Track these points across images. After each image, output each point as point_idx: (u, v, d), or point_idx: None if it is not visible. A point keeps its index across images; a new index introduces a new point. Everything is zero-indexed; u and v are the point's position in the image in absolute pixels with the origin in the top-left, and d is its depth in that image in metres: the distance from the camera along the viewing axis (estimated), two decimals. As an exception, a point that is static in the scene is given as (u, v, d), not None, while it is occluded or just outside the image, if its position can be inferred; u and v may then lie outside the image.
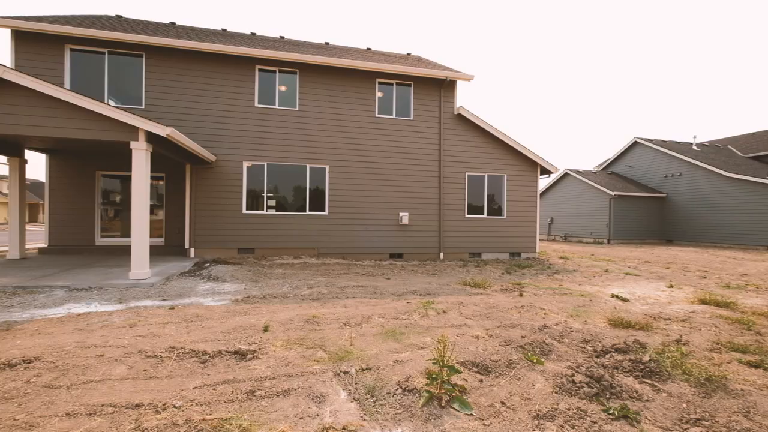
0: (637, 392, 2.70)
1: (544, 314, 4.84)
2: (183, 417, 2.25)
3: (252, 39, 12.16)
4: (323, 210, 10.84)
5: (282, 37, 13.44)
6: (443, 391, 2.55)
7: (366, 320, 4.41)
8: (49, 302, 5.18)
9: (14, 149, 8.81)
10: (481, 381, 2.85)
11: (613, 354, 3.39)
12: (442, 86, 11.58)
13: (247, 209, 10.33)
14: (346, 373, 2.94)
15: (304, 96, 10.74)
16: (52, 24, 9.03)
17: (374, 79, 11.22)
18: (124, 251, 9.42)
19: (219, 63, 10.13)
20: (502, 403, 2.53)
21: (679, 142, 22.61)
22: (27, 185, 10.65)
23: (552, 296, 6.20)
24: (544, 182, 25.26)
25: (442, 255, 11.53)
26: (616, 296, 6.17)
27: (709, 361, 3.31)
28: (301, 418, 2.30)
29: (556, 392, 2.68)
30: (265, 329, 3.97)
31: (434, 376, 2.61)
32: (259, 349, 3.41)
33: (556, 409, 2.43)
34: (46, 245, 9.74)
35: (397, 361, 3.16)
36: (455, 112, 11.70)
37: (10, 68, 6.22)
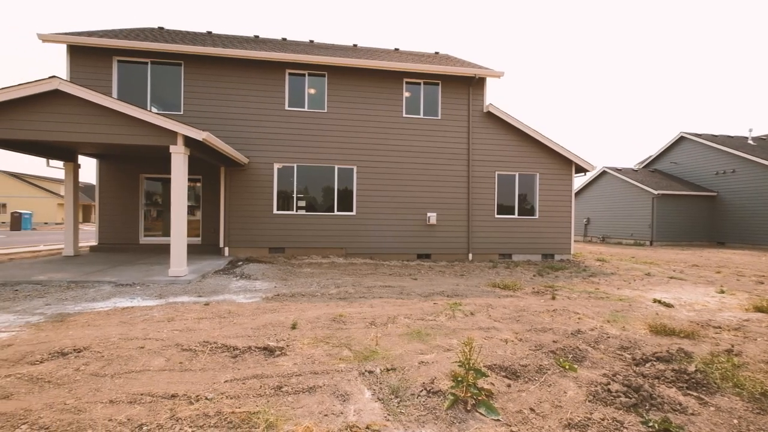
0: (680, 405, 2.51)
1: (578, 319, 4.63)
2: (214, 409, 2.34)
3: (283, 44, 12.50)
4: (351, 210, 10.95)
5: (311, 41, 13.72)
6: (469, 394, 2.49)
7: (392, 320, 4.40)
8: (98, 296, 5.57)
9: (69, 155, 9.56)
10: (509, 386, 2.76)
11: (654, 363, 3.18)
12: (471, 84, 11.38)
13: (277, 210, 10.62)
14: (370, 372, 2.95)
15: (332, 98, 10.91)
16: (102, 38, 9.71)
17: (401, 79, 11.21)
18: (165, 249, 9.95)
19: (251, 68, 10.50)
20: (531, 409, 2.44)
21: (731, 137, 20.92)
22: (80, 188, 11.51)
23: (587, 300, 5.91)
24: (579, 181, 24.23)
25: (470, 256, 11.32)
26: (659, 301, 5.80)
27: (766, 374, 3.03)
28: (325, 415, 2.32)
29: (589, 401, 2.55)
30: (293, 327, 4.06)
31: (460, 378, 2.56)
32: (287, 346, 3.49)
33: (590, 419, 2.31)
34: (96, 243, 10.49)
35: (422, 362, 3.13)
36: (484, 110, 11.45)
37: (66, 80, 6.74)
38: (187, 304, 5.21)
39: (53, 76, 6.60)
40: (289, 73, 10.75)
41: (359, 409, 2.40)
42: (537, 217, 11.75)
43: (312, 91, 10.93)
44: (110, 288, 6.10)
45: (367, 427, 2.20)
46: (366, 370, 2.97)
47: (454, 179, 11.36)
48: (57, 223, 37.08)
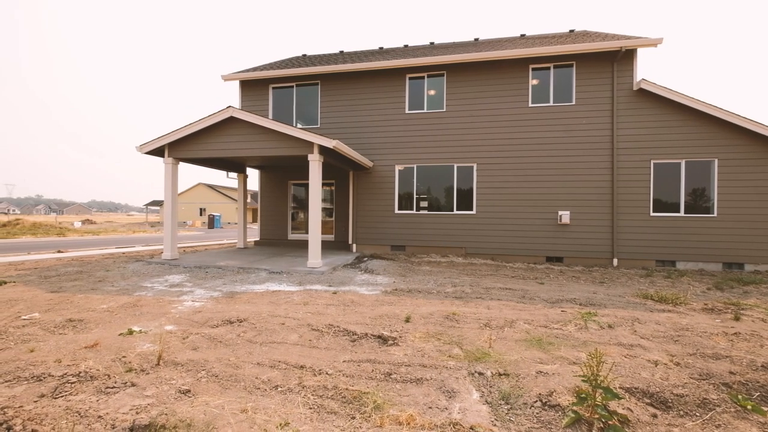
0: None
1: (777, 348, 3.45)
2: (332, 383, 2.62)
3: (404, 51, 13.03)
4: (471, 209, 10.65)
5: (432, 43, 13.90)
6: (596, 415, 2.15)
7: (509, 324, 4.11)
8: (257, 280, 6.84)
9: (240, 168, 12.05)
10: (654, 416, 2.26)
11: None
12: (616, 59, 9.69)
13: (398, 209, 11.12)
14: (481, 374, 2.83)
15: (451, 96, 10.83)
16: (262, 71, 11.92)
17: (527, 66, 10.34)
18: (306, 245, 11.56)
19: (375, 78, 11.28)
20: (685, 450, 1.95)
21: None
22: (250, 194, 14.36)
23: (796, 326, 4.34)
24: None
25: (615, 261, 9.63)
26: None
27: None
28: (429, 407, 2.34)
29: (784, 457, 1.88)
30: (407, 320, 4.20)
31: (584, 395, 2.23)
32: (400, 337, 3.63)
33: (782, 481, 1.71)
34: (258, 239, 12.91)
35: (540, 372, 2.83)
36: (635, 88, 9.59)
37: (238, 108, 8.51)
38: (320, 291, 5.94)
39: (229, 106, 8.42)
40: (409, 78, 11.13)
41: (464, 408, 2.33)
42: (715, 215, 9.21)
43: (431, 92, 11.07)
44: (265, 274, 7.43)
45: (471, 428, 2.11)
46: (476, 371, 2.87)
47: (592, 172, 9.87)
48: (235, 223, 47.04)
